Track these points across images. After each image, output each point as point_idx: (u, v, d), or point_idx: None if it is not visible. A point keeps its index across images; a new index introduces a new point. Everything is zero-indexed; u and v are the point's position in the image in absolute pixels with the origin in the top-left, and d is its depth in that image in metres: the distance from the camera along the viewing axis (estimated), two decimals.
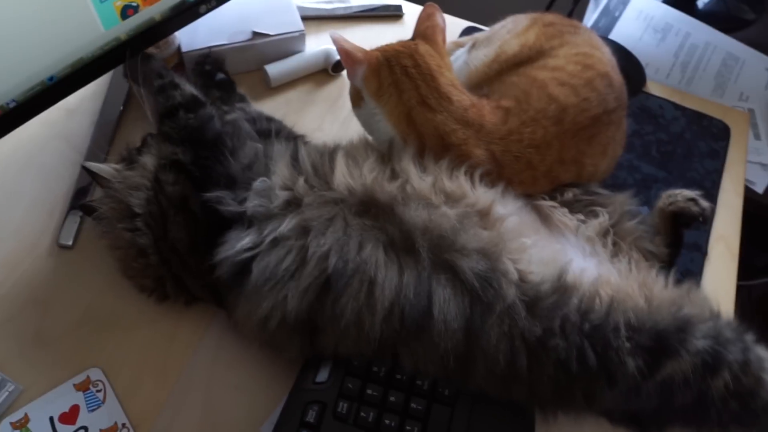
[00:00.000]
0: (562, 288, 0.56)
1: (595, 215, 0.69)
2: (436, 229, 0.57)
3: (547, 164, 0.68)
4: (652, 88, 0.94)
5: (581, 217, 0.69)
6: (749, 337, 0.58)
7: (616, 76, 0.72)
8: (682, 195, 0.71)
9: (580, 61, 0.70)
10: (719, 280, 0.76)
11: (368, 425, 0.57)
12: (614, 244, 0.68)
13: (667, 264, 0.69)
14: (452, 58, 0.82)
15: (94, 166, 0.66)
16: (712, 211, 0.77)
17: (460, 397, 0.60)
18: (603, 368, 0.54)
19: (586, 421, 0.63)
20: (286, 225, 0.58)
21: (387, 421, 0.57)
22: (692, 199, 0.71)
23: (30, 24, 0.58)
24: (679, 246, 0.72)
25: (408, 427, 0.57)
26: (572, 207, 0.70)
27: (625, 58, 0.95)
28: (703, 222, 0.71)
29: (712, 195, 0.82)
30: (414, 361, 0.57)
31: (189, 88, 0.69)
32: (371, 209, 0.59)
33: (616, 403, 0.57)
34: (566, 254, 0.62)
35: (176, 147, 0.64)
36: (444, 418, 0.58)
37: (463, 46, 0.84)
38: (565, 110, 0.67)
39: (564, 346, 0.54)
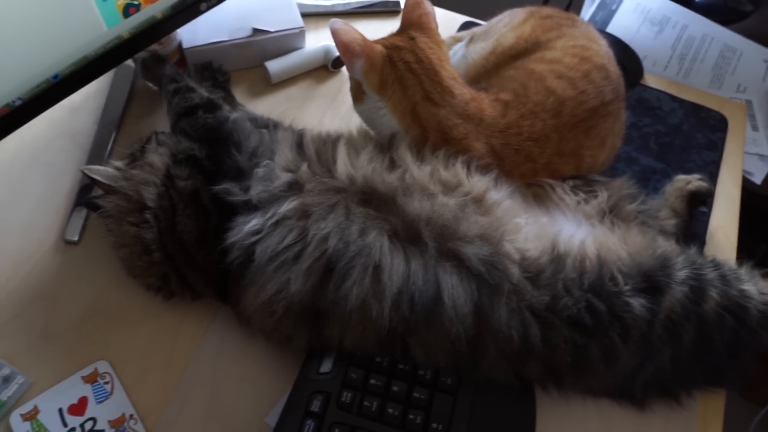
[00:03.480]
0: (557, 257, 0.60)
1: (595, 196, 0.71)
2: (439, 219, 0.59)
3: (546, 157, 0.68)
4: (650, 80, 0.94)
5: (583, 196, 0.71)
6: (716, 259, 0.64)
7: (613, 68, 0.73)
8: (692, 176, 0.79)
9: (577, 54, 0.71)
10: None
11: (372, 414, 0.58)
12: (616, 225, 0.69)
13: (676, 234, 0.74)
14: (450, 52, 0.83)
15: (93, 170, 0.67)
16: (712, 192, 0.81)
17: (463, 386, 0.61)
18: (614, 315, 0.58)
19: (589, 415, 0.64)
20: (287, 206, 0.60)
21: (390, 411, 0.58)
22: (700, 179, 0.78)
23: (34, 23, 0.59)
24: (691, 218, 0.78)
25: (411, 416, 0.58)
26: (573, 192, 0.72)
27: (623, 51, 0.96)
28: (710, 196, 0.79)
29: None
30: (425, 350, 0.58)
31: (204, 92, 0.73)
32: (373, 200, 0.60)
33: (633, 362, 0.60)
34: (554, 225, 0.65)
35: (193, 143, 0.67)
36: (446, 407, 0.59)
37: (461, 40, 0.85)
38: (563, 103, 0.68)
39: (572, 302, 0.57)
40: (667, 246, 0.64)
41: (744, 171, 0.91)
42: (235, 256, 0.60)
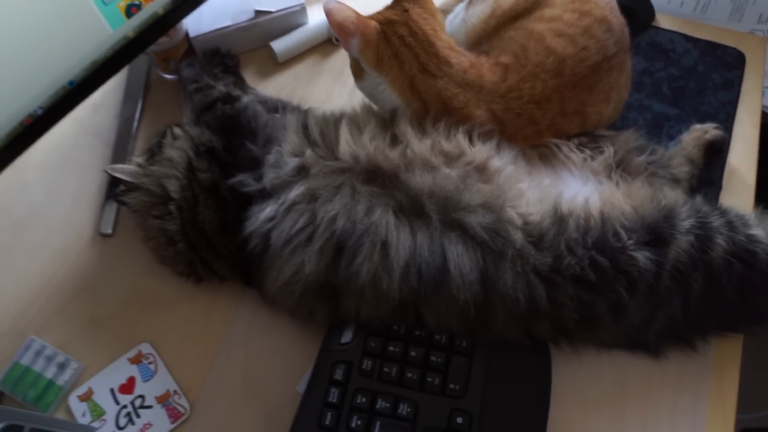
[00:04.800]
0: (559, 219, 0.61)
1: (601, 152, 0.71)
2: (441, 191, 0.61)
3: (549, 118, 0.69)
4: (662, 21, 0.91)
5: (589, 153, 0.71)
6: (722, 206, 0.65)
7: (616, 19, 0.71)
8: (708, 125, 0.78)
9: (576, 9, 0.70)
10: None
11: (392, 379, 0.62)
12: (624, 179, 0.69)
13: (689, 181, 0.75)
14: (451, 15, 0.82)
15: (116, 169, 0.71)
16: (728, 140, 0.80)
17: (477, 347, 0.64)
18: (618, 270, 0.59)
19: (604, 365, 0.67)
20: (296, 191, 0.63)
21: (409, 375, 0.62)
22: (716, 127, 0.77)
23: (42, 35, 0.62)
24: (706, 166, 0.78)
25: (429, 379, 0.62)
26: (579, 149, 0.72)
27: None
28: (726, 144, 0.79)
29: (726, 127, 0.80)
30: (436, 317, 0.61)
31: (222, 87, 0.76)
32: (377, 177, 0.63)
33: (642, 313, 0.61)
34: (557, 187, 0.66)
35: (213, 135, 0.70)
36: (463, 368, 0.63)
37: (462, 0, 0.84)
38: (563, 62, 0.67)
39: (575, 261, 0.59)
40: (672, 196, 0.65)
41: (764, 106, 0.88)
42: (255, 244, 0.63)
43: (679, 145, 0.77)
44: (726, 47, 0.88)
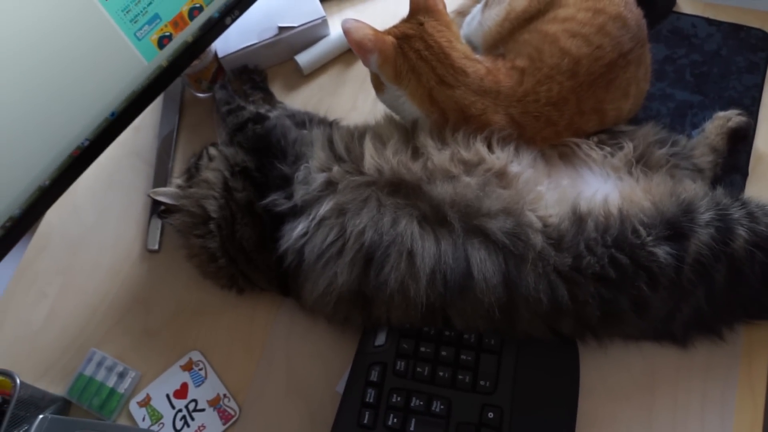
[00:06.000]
0: (578, 219, 0.63)
1: (621, 148, 0.72)
2: (462, 200, 0.63)
3: (566, 118, 0.70)
4: (684, 5, 0.90)
5: (608, 150, 0.72)
6: (744, 197, 0.65)
7: (631, 14, 0.72)
8: (731, 112, 0.78)
9: (590, 7, 0.70)
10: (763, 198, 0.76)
11: (425, 378, 0.65)
12: (645, 174, 0.70)
13: (713, 170, 0.75)
14: (468, 17, 0.84)
15: (159, 192, 0.76)
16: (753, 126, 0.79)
17: (506, 344, 0.66)
18: (638, 266, 0.61)
19: (632, 356, 0.68)
20: (325, 207, 0.66)
21: (441, 373, 0.65)
22: (740, 113, 0.77)
23: (85, 74, 0.67)
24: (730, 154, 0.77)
25: (460, 377, 0.65)
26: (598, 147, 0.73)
27: None
28: (751, 130, 0.79)
29: (752, 112, 0.80)
30: (464, 319, 0.65)
31: (252, 108, 0.80)
32: (401, 189, 0.66)
33: (666, 306, 0.63)
34: (576, 187, 0.68)
35: (246, 155, 0.74)
36: (492, 365, 0.66)
37: (479, 1, 0.85)
38: (578, 62, 0.68)
39: (595, 260, 0.61)
40: (691, 189, 0.65)
41: None
42: (290, 260, 0.67)
43: (701, 134, 0.77)
44: (750, 28, 0.86)
